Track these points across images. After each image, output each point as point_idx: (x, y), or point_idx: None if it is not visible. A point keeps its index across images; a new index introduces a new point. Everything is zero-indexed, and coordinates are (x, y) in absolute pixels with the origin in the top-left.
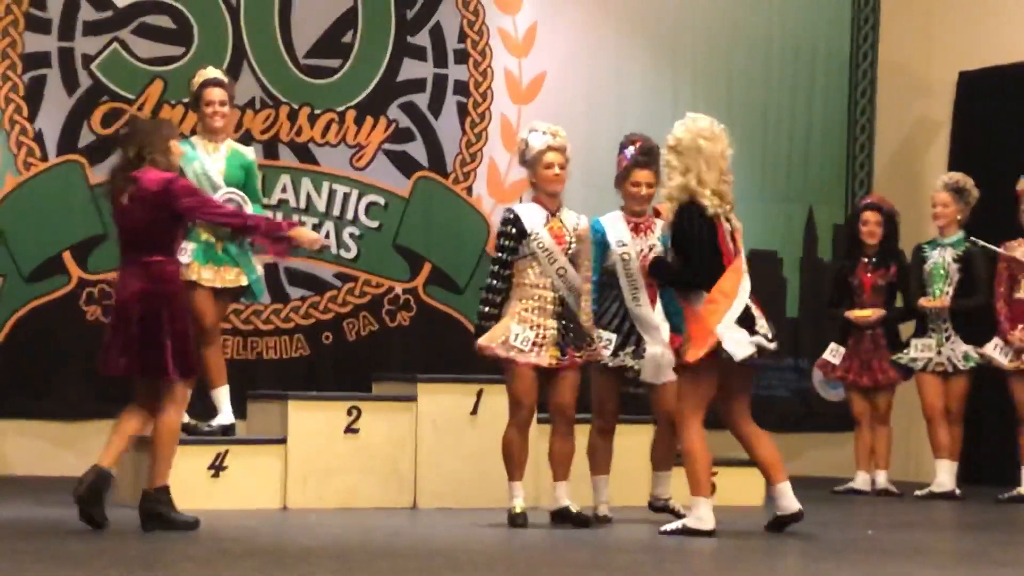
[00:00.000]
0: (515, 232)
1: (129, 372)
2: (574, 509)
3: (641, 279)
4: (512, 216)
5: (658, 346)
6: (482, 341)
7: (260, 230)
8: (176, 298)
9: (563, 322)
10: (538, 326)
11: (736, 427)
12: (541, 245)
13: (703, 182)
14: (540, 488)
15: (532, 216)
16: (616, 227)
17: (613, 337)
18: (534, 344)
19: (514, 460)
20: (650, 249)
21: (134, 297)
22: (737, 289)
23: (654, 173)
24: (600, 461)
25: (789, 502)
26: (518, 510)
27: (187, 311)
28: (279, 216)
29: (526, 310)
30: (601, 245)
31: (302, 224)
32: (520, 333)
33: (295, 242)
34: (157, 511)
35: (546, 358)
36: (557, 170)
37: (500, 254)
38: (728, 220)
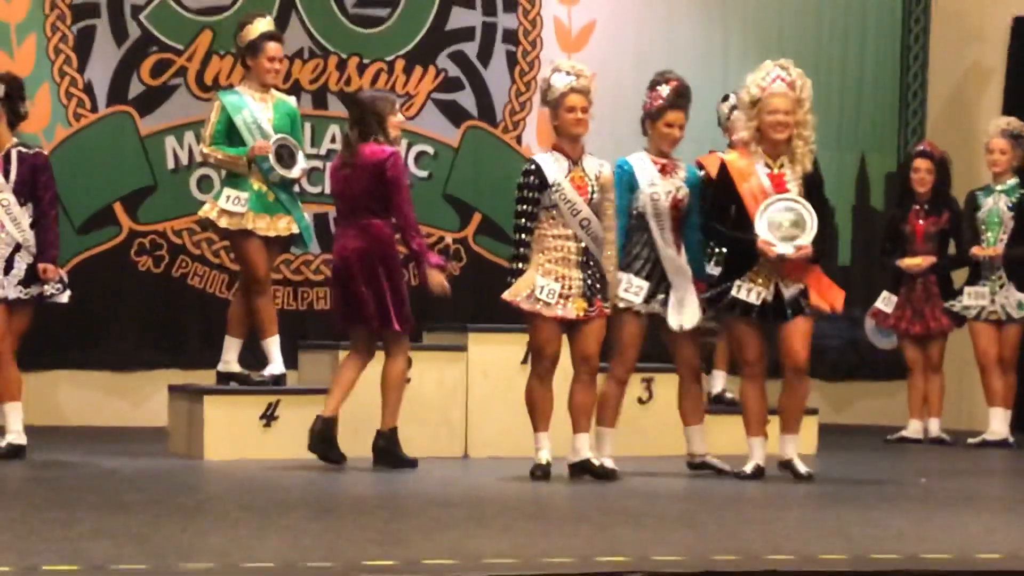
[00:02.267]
0: (537, 183)
1: (353, 327)
2: (596, 461)
3: (669, 221)
4: (533, 167)
5: (683, 292)
6: (506, 296)
7: (416, 248)
8: (392, 257)
9: (588, 272)
10: (563, 277)
11: None
12: (564, 197)
13: None
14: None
15: (553, 167)
16: (645, 168)
17: (645, 284)
18: (560, 296)
19: (538, 410)
20: (677, 190)
21: (354, 255)
22: None
23: (686, 115)
24: (610, 412)
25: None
26: (543, 461)
27: (402, 269)
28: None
29: (550, 261)
30: (629, 186)
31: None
32: (546, 286)
33: (429, 276)
34: (387, 449)
35: (573, 310)
36: (580, 114)
37: (524, 206)
38: None
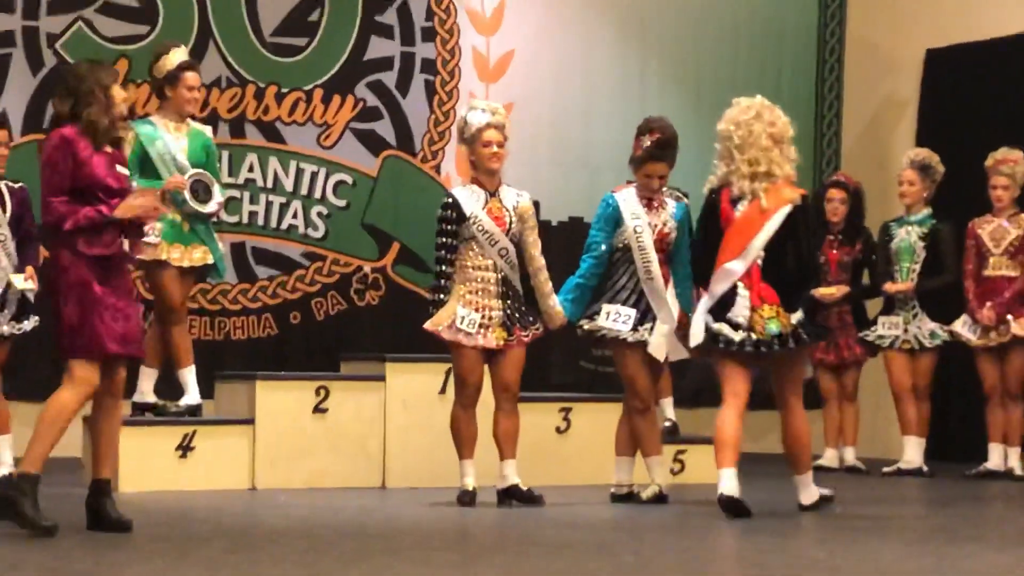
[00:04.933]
0: (455, 216)
1: None
2: (524, 487)
3: (654, 254)
4: (451, 200)
5: (667, 323)
6: (427, 326)
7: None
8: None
9: (508, 302)
10: (484, 307)
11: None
12: (481, 228)
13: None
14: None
15: (470, 199)
16: (630, 202)
17: (632, 312)
18: (480, 326)
19: (462, 438)
20: (663, 224)
21: None
22: (718, 272)
23: (668, 165)
24: (650, 442)
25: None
26: (469, 487)
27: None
28: (247, 195)
29: (471, 292)
30: (614, 220)
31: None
32: (467, 316)
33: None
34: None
35: (493, 340)
36: (495, 148)
37: (443, 239)
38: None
